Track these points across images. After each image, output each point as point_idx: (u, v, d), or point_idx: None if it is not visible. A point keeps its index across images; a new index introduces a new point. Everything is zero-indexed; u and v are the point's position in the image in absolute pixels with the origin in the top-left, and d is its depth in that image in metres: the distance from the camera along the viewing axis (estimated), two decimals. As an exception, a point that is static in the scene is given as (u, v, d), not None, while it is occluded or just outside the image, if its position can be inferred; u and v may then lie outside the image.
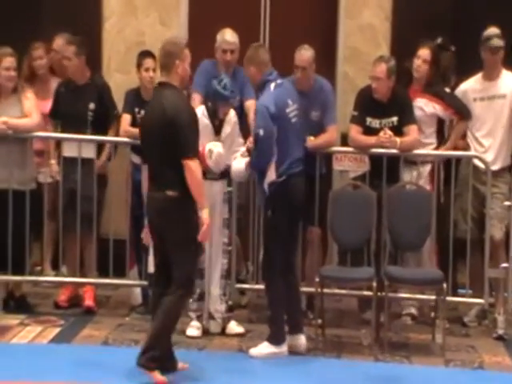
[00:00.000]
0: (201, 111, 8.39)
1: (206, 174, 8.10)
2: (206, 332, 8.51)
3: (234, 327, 8.57)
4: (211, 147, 8.23)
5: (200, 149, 7.81)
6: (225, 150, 8.38)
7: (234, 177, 8.54)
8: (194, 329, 8.53)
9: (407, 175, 9.08)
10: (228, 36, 9.43)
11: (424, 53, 9.16)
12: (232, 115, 8.62)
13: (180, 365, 7.40)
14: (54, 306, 9.36)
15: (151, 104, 7.50)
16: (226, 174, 8.53)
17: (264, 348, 8.24)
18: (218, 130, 8.47)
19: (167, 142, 7.06)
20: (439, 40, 9.42)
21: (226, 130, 8.51)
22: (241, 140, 8.67)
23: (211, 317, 8.59)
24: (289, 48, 9.14)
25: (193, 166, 6.98)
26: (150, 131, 7.27)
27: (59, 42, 9.93)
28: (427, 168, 9.16)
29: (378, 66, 8.98)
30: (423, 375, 7.56)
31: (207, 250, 8.41)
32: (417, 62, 9.13)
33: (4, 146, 9.07)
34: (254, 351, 8.23)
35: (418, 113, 9.07)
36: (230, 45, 9.38)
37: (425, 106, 9.11)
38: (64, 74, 9.81)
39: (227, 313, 8.59)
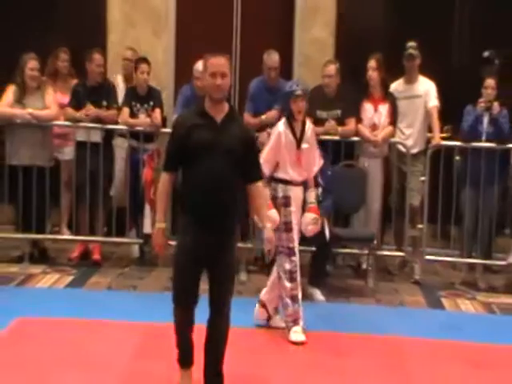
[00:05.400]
0: (281, 127, 7.34)
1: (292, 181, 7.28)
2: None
3: (279, 322, 7.34)
4: (310, 219, 7.30)
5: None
6: (305, 160, 7.32)
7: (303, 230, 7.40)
8: (299, 334, 7.17)
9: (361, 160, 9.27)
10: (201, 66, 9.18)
11: (372, 63, 9.15)
12: (309, 127, 7.45)
13: None
14: (68, 259, 9.46)
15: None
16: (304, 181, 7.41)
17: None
18: (298, 144, 7.30)
19: None
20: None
21: (304, 145, 7.32)
22: (318, 151, 7.61)
23: (262, 305, 7.43)
24: (257, 55, 9.21)
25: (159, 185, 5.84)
26: None
27: (128, 53, 9.99)
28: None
29: (329, 66, 9.17)
30: (359, 311, 7.78)
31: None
32: (368, 74, 9.16)
33: (29, 131, 9.20)
34: None
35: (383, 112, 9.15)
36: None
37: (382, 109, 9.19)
38: (131, 80, 9.73)
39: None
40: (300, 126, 7.35)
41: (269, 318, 7.42)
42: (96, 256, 9.47)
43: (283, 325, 7.27)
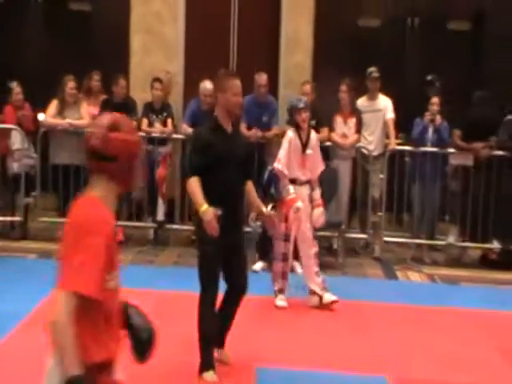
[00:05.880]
0: (291, 133, 7.21)
1: (297, 180, 7.16)
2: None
3: (329, 297, 7.15)
4: (299, 205, 7.02)
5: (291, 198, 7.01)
6: (309, 164, 7.19)
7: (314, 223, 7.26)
8: (283, 301, 7.19)
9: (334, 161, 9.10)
10: (207, 85, 8.98)
11: (343, 87, 9.09)
12: (313, 137, 7.31)
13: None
14: None
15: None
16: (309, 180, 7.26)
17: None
18: (304, 149, 7.18)
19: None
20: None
21: (309, 151, 7.19)
22: (320, 157, 7.44)
23: (312, 293, 7.20)
24: (249, 77, 8.89)
25: (187, 187, 5.47)
26: None
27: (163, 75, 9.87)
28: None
29: (306, 86, 9.14)
30: (331, 282, 7.54)
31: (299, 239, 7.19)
32: (340, 95, 9.10)
33: (67, 137, 9.22)
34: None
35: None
36: (207, 91, 8.93)
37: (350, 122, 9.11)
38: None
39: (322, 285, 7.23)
40: (305, 134, 7.23)
41: (321, 299, 7.18)
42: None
43: (333, 297, 7.14)
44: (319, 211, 7.20)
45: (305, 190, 7.23)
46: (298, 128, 7.22)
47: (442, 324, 6.95)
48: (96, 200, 3.11)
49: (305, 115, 7.16)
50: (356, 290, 7.81)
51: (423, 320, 7.01)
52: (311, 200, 7.27)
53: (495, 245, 9.19)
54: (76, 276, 2.98)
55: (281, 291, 7.25)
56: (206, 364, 5.48)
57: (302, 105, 7.18)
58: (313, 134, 7.36)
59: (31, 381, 5.15)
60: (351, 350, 6.22)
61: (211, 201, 5.29)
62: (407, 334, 6.60)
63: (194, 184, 5.37)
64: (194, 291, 6.18)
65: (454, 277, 8.68)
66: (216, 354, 5.67)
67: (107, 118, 3.19)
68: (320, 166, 7.39)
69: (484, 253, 9.36)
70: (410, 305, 7.40)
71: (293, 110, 7.24)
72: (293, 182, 7.15)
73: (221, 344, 5.76)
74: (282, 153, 7.18)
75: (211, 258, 5.47)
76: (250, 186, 5.67)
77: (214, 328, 5.56)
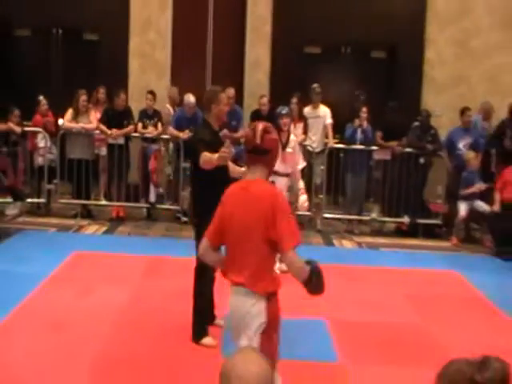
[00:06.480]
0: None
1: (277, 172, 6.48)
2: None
3: (281, 267, 5.98)
4: (304, 200, 6.63)
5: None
6: (289, 161, 6.76)
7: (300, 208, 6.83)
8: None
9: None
10: (191, 98, 8.88)
11: (294, 99, 9.04)
12: (293, 139, 6.98)
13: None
14: (110, 218, 9.16)
15: (193, 129, 5.51)
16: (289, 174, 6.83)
17: None
18: (283, 146, 6.66)
19: (194, 158, 5.16)
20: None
21: (289, 150, 6.83)
22: (301, 155, 7.11)
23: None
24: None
25: (201, 160, 4.92)
26: (187, 151, 5.41)
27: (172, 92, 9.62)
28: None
29: (263, 98, 9.25)
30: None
31: None
32: (291, 105, 8.75)
33: (80, 137, 9.21)
34: None
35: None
36: (191, 103, 8.85)
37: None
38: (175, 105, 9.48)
39: None
40: (286, 136, 6.81)
41: None
42: (121, 214, 9.34)
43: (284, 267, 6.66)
44: (304, 198, 6.80)
45: (284, 181, 6.84)
46: (279, 130, 6.74)
47: (367, 278, 6.97)
48: (265, 181, 3.47)
49: (286, 120, 6.88)
50: (302, 255, 7.56)
51: (353, 276, 7.02)
52: (289, 190, 6.99)
53: (406, 219, 9.24)
54: (294, 236, 3.33)
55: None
56: (202, 333, 5.14)
57: (284, 112, 6.95)
58: (292, 136, 7.01)
59: (54, 330, 5.26)
60: (295, 298, 6.16)
61: (211, 185, 4.73)
62: (340, 286, 6.54)
63: (208, 154, 4.88)
64: (177, 257, 6.25)
65: (376, 244, 8.72)
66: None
67: (261, 124, 3.51)
68: (301, 163, 7.10)
69: (397, 225, 9.42)
70: (343, 265, 7.36)
71: (277, 116, 6.96)
72: (274, 173, 6.69)
73: (213, 320, 5.33)
74: None
75: None
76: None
77: (208, 302, 5.24)
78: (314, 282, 3.38)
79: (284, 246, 3.28)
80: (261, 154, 3.45)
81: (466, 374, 1.70)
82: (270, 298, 3.39)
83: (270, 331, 3.36)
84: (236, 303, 3.38)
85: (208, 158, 4.88)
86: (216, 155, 4.74)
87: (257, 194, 3.36)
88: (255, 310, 3.33)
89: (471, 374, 1.70)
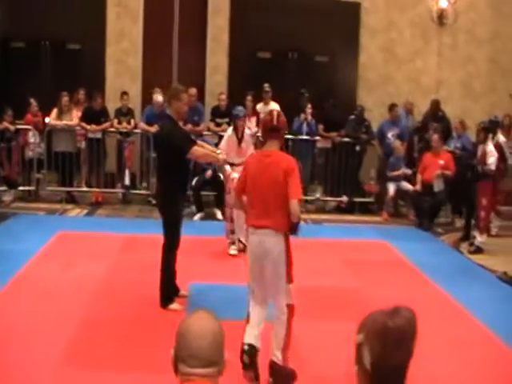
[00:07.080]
0: (230, 130, 6.85)
1: (234, 163, 6.56)
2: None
3: None
4: (234, 176, 6.30)
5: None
6: (243, 153, 6.52)
7: None
8: (234, 250, 6.65)
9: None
10: (159, 98, 8.69)
11: (249, 97, 9.02)
12: (247, 133, 6.92)
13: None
14: (91, 203, 9.04)
15: (160, 124, 5.45)
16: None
17: None
18: (239, 142, 6.74)
19: (167, 149, 5.00)
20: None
21: (244, 144, 6.76)
22: (252, 147, 6.84)
23: (240, 241, 6.54)
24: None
25: (195, 153, 4.97)
26: (158, 143, 5.36)
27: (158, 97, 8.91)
28: None
29: (222, 95, 9.24)
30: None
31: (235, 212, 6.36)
32: (246, 102, 8.79)
33: (63, 133, 9.12)
34: None
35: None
36: (159, 102, 8.65)
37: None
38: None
39: None
40: (240, 132, 6.76)
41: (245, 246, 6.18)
42: (100, 199, 9.21)
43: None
44: None
45: (240, 170, 6.65)
46: (235, 128, 6.83)
47: (312, 249, 6.92)
48: (280, 151, 4.03)
49: (241, 122, 6.82)
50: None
51: (300, 247, 6.70)
52: None
53: (344, 198, 9.31)
54: (299, 191, 3.95)
55: (233, 243, 6.71)
56: (169, 299, 5.08)
57: (241, 114, 6.87)
58: (247, 130, 6.97)
59: (45, 297, 5.24)
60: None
61: (179, 182, 4.88)
62: (297, 253, 6.36)
63: (199, 149, 4.99)
64: (148, 235, 6.18)
65: (320, 219, 8.74)
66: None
67: (275, 110, 4.18)
68: (251, 151, 6.87)
69: (338, 203, 9.47)
70: (292, 238, 7.34)
71: (234, 116, 6.96)
72: (231, 164, 6.65)
73: (177, 292, 5.21)
74: (223, 144, 6.78)
75: (180, 219, 5.10)
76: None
77: (172, 275, 5.17)
78: (296, 224, 3.99)
79: (293, 196, 3.84)
80: (277, 132, 4.00)
81: (380, 322, 1.72)
82: (287, 235, 3.96)
83: (289, 258, 3.98)
84: (268, 245, 3.89)
85: (202, 154, 5.08)
86: (212, 153, 5.17)
87: (277, 159, 3.92)
88: (281, 247, 3.92)
89: (384, 321, 1.72)
